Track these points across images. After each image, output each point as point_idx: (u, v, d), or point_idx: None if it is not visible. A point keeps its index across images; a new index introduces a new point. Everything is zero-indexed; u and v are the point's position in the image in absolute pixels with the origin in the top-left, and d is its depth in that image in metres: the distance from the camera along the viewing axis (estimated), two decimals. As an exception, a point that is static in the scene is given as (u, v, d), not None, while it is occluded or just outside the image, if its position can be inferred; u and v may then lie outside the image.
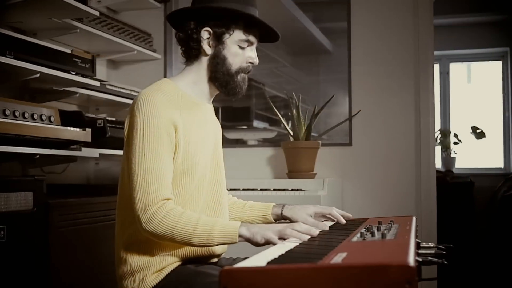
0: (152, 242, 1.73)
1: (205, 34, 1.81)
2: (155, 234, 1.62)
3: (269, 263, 1.14)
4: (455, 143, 6.16)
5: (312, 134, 3.62)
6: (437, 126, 6.34)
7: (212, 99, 1.94)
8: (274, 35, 1.92)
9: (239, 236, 1.64)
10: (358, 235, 1.45)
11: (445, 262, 1.35)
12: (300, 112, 3.45)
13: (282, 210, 1.99)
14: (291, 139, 3.48)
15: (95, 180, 3.66)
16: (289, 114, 3.50)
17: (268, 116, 3.59)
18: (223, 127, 3.98)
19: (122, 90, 3.37)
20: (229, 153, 3.86)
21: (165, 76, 3.87)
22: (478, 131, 6.09)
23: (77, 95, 3.04)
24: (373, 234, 1.43)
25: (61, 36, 3.16)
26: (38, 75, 2.58)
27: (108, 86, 3.28)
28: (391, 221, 1.76)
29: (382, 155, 3.53)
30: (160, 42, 3.96)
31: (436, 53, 6.22)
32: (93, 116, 3.08)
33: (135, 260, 1.72)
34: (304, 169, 3.40)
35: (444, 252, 1.64)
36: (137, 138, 1.66)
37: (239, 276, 1.04)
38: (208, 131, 1.89)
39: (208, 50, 1.82)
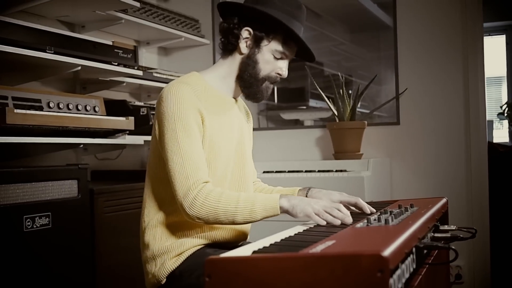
0: (172, 227, 1.79)
1: (245, 33, 1.84)
2: (200, 217, 1.67)
3: (254, 252, 1.16)
4: (524, 116, 5.89)
5: (362, 111, 3.57)
6: (504, 98, 6.08)
7: (239, 95, 1.97)
8: (311, 55, 1.92)
9: (280, 207, 1.67)
10: (365, 220, 1.45)
11: (452, 248, 1.32)
12: (345, 92, 3.40)
13: (307, 193, 1.99)
14: (337, 120, 3.45)
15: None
16: (341, 92, 3.43)
17: (327, 96, 3.56)
18: (279, 108, 4.04)
19: (169, 77, 3.45)
20: (280, 135, 3.89)
21: (214, 61, 3.92)
22: (549, 102, 5.79)
23: (124, 84, 3.14)
24: (379, 220, 1.42)
25: (109, 27, 3.27)
26: (79, 68, 2.69)
27: (155, 74, 3.36)
28: (411, 204, 1.73)
29: (431, 134, 3.43)
30: (209, 27, 4.01)
31: (500, 23, 5.97)
32: (138, 104, 3.17)
33: (156, 245, 1.79)
34: (350, 150, 3.36)
35: (461, 236, 1.62)
36: (170, 129, 1.72)
37: (222, 265, 1.07)
38: (232, 125, 1.91)
39: (244, 49, 1.85)
